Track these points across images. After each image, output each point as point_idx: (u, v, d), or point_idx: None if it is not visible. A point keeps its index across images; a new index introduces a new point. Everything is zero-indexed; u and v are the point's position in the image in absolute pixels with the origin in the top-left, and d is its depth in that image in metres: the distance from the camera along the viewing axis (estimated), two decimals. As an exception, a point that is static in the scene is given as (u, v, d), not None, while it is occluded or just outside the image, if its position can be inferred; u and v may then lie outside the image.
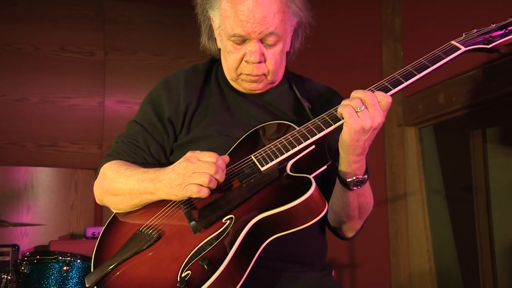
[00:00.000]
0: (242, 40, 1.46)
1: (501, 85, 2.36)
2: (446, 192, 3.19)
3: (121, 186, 1.42)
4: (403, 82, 1.34)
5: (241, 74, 1.52)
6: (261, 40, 1.46)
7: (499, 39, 1.39)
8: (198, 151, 1.32)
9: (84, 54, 4.36)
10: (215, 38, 1.58)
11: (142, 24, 4.56)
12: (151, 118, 1.57)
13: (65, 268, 2.69)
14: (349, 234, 1.56)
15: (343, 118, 1.30)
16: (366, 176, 1.38)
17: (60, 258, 2.71)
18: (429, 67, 1.35)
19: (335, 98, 1.64)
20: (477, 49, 1.40)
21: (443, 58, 1.36)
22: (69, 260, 2.71)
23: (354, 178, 1.36)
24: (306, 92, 1.64)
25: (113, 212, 1.49)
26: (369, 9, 3.36)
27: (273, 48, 1.48)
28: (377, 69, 3.18)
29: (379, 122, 1.27)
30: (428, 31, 2.86)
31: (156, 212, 1.38)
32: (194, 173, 1.27)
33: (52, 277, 2.68)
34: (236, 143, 1.48)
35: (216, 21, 1.53)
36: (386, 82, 1.35)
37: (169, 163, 1.48)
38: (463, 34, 1.44)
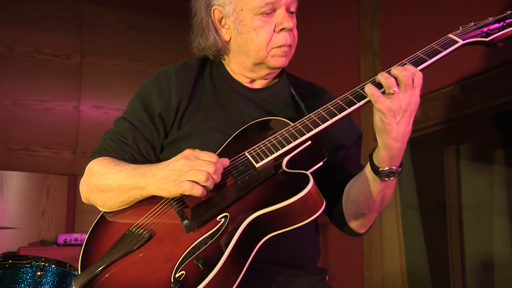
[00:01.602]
0: (273, 9, 1.45)
1: (477, 102, 2.40)
2: (420, 207, 3.23)
3: (109, 182, 1.37)
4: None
5: (272, 49, 1.49)
6: (286, 8, 1.47)
7: (497, 32, 1.36)
8: (197, 150, 1.29)
9: (60, 57, 4.27)
10: (220, 31, 1.55)
11: (121, 29, 4.50)
12: (140, 115, 1.52)
13: (39, 273, 2.60)
14: (362, 230, 1.50)
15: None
16: (400, 168, 1.32)
17: (34, 263, 2.61)
18: (426, 60, 1.31)
19: (328, 98, 1.60)
20: (475, 42, 1.37)
21: (441, 52, 1.32)
22: (43, 265, 2.61)
23: (387, 168, 1.30)
24: (300, 91, 1.62)
25: (92, 219, 1.44)
26: (348, 22, 3.39)
27: (294, 17, 1.51)
28: (355, 83, 3.19)
29: (407, 102, 1.23)
30: (406, 47, 2.89)
31: (147, 211, 1.34)
32: (191, 170, 1.23)
33: (25, 283, 2.59)
34: (229, 140, 1.44)
35: (227, 8, 1.50)
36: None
37: (159, 161, 1.44)
38: (460, 27, 1.41)
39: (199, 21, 1.58)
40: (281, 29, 1.47)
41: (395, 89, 1.23)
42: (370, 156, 1.34)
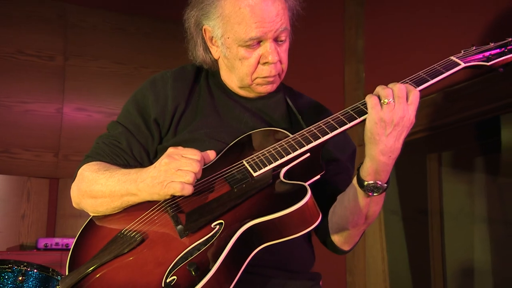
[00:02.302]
0: (257, 42, 1.44)
1: (459, 110, 2.43)
2: (403, 214, 3.25)
3: (100, 187, 1.36)
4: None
5: (256, 78, 1.49)
6: (274, 39, 1.45)
7: (498, 58, 1.39)
8: (180, 147, 1.28)
9: (43, 58, 4.22)
10: (210, 49, 1.55)
11: (106, 31, 4.47)
12: (135, 119, 1.51)
13: (20, 278, 2.53)
14: (346, 247, 1.49)
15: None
16: (385, 185, 1.31)
17: (15, 267, 2.53)
18: (428, 80, 1.33)
19: (325, 113, 1.62)
20: (476, 66, 1.40)
21: (443, 73, 1.35)
22: (25, 269, 2.53)
23: (371, 182, 1.30)
24: (296, 104, 1.61)
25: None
26: (333, 29, 3.41)
27: (284, 44, 1.48)
28: (340, 89, 3.23)
29: (400, 116, 1.23)
30: (390, 54, 2.93)
31: (140, 215, 1.32)
32: (178, 171, 1.23)
33: (6, 288, 2.54)
34: (226, 148, 1.44)
35: (216, 31, 1.48)
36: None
37: None
38: (462, 51, 1.43)
39: (190, 37, 1.58)
40: (265, 63, 1.46)
41: (390, 99, 1.24)
42: (358, 168, 1.34)
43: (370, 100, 1.26)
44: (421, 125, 2.64)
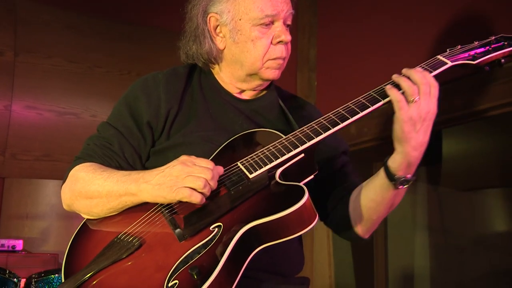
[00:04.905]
0: (271, 21, 1.47)
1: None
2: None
3: (97, 188, 1.33)
4: (381, 100, 1.34)
5: (267, 61, 1.50)
6: (284, 21, 1.49)
7: (484, 56, 1.41)
8: (193, 156, 1.28)
9: (-9, 53, 4.09)
10: (214, 39, 1.53)
11: (59, 29, 4.35)
12: (127, 122, 1.48)
13: None
14: (367, 235, 1.52)
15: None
16: (414, 177, 1.34)
17: None
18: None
19: (313, 111, 1.67)
20: (462, 65, 1.42)
21: (431, 72, 1.36)
22: None
23: (402, 176, 1.32)
24: (287, 104, 1.63)
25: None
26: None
27: (288, 30, 1.52)
28: (293, 97, 3.28)
29: (426, 111, 1.26)
30: (342, 63, 3.01)
31: (135, 219, 1.31)
32: (188, 176, 1.22)
33: (-37, 291, 2.45)
34: (219, 150, 1.43)
35: (224, 17, 1.49)
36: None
37: (144, 169, 1.42)
38: (447, 49, 1.46)
39: (194, 27, 1.56)
40: (278, 42, 1.48)
41: (417, 97, 1.26)
42: (385, 163, 1.35)
43: (397, 99, 1.27)
44: (371, 135, 2.73)
